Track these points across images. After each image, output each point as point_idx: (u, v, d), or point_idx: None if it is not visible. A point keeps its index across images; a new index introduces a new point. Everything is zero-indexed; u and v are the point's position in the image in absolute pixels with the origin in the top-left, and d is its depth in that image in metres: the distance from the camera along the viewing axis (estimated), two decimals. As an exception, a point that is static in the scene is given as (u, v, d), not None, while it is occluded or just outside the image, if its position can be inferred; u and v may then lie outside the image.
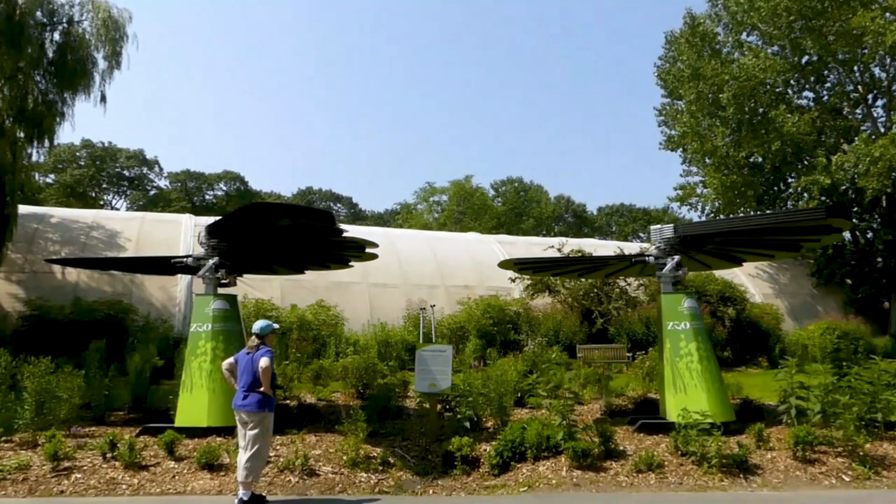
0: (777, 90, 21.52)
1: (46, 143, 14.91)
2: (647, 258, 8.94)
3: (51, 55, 14.40)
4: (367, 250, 9.04)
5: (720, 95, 20.85)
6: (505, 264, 10.68)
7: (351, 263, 10.49)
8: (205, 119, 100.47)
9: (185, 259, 9.03)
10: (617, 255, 10.56)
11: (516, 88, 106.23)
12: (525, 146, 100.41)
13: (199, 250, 8.87)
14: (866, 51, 20.23)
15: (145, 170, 49.44)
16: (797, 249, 9.80)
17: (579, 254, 16.38)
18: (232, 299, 8.53)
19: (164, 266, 10.17)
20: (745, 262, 10.57)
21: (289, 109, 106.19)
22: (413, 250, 19.42)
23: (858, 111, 22.10)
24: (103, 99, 15.22)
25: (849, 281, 22.04)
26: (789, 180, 22.97)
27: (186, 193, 49.93)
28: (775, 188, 23.32)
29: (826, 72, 22.29)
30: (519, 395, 9.26)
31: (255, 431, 5.96)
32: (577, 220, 56.61)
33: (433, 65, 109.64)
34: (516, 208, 53.22)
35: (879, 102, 21.99)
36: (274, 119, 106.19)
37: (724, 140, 21.64)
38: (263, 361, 6.01)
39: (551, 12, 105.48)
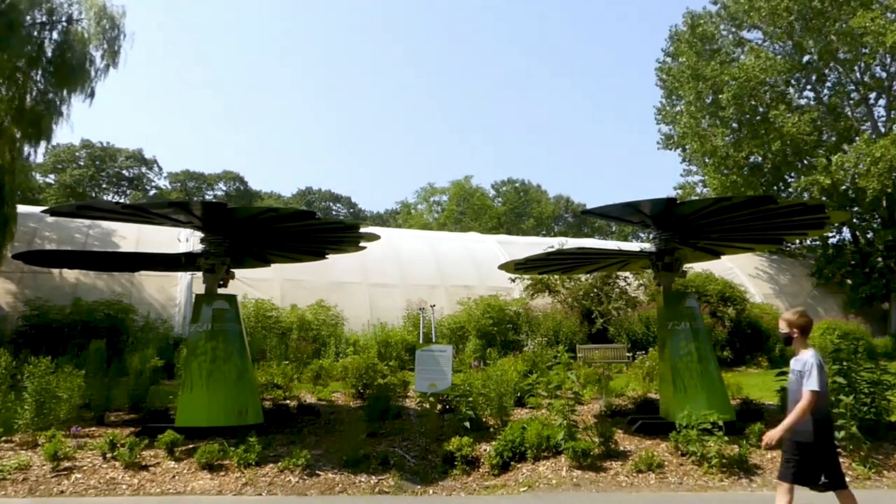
0: (777, 90, 21.50)
1: (44, 143, 14.88)
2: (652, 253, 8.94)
3: (49, 54, 14.36)
4: (362, 244, 9.16)
5: (720, 96, 20.84)
6: (507, 267, 10.66)
7: (326, 256, 10.54)
8: (204, 119, 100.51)
9: (183, 254, 9.05)
10: (626, 250, 10.66)
11: (516, 88, 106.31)
12: (525, 146, 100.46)
13: (199, 246, 8.90)
14: (867, 51, 20.22)
15: (144, 169, 49.46)
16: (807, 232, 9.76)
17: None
18: (231, 299, 8.54)
19: (161, 262, 10.17)
20: (755, 250, 10.62)
21: (288, 109, 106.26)
22: (413, 250, 19.40)
23: (859, 111, 22.08)
24: (92, 94, 15.05)
25: (849, 281, 21.99)
26: (789, 180, 22.94)
27: (186, 193, 49.91)
28: (775, 188, 23.30)
29: (826, 71, 22.26)
30: (519, 395, 9.25)
31: None
32: (576, 220, 56.56)
33: (433, 65, 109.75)
34: (516, 208, 53.25)
35: (880, 102, 21.98)
36: (273, 119, 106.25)
37: (723, 140, 21.61)
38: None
39: (552, 11, 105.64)
